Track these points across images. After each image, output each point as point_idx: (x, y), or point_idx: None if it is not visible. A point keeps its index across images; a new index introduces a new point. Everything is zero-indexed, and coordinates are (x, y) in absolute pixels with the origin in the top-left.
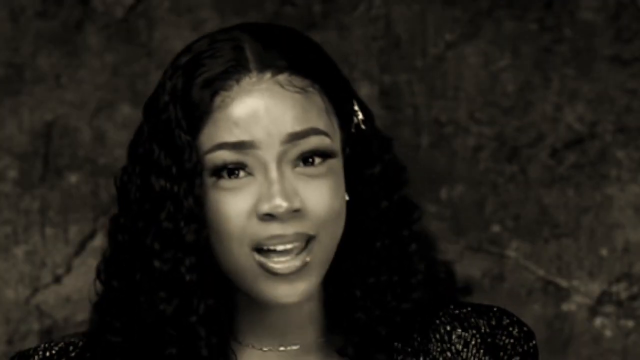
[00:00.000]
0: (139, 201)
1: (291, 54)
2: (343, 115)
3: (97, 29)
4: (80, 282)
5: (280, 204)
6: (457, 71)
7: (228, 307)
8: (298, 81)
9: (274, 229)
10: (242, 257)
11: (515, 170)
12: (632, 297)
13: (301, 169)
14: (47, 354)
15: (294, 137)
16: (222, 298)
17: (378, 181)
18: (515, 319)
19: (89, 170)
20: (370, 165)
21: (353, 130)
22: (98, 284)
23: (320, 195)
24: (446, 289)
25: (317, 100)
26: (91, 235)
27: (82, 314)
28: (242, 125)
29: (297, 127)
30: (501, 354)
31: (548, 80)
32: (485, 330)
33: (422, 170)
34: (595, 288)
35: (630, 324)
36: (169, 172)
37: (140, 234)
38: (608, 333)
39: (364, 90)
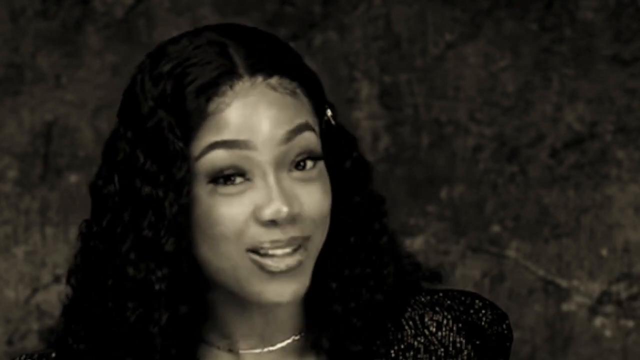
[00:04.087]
0: (118, 207)
1: (276, 58)
2: (319, 115)
3: (97, 29)
4: None
5: (282, 209)
6: (457, 71)
7: (201, 311)
8: (287, 83)
9: (275, 234)
10: (236, 258)
11: (515, 170)
12: (632, 297)
13: (295, 173)
14: None
15: (291, 135)
16: (195, 302)
17: (350, 176)
18: (487, 302)
19: (89, 170)
20: (342, 161)
21: (323, 126)
22: (68, 288)
23: (314, 199)
24: (414, 280)
25: (305, 101)
26: None
27: None
28: (238, 125)
29: (293, 125)
30: (476, 335)
31: (548, 80)
32: (458, 312)
33: (422, 170)
34: (595, 288)
35: (630, 324)
36: (156, 180)
37: (116, 241)
38: (608, 333)
39: (364, 90)
